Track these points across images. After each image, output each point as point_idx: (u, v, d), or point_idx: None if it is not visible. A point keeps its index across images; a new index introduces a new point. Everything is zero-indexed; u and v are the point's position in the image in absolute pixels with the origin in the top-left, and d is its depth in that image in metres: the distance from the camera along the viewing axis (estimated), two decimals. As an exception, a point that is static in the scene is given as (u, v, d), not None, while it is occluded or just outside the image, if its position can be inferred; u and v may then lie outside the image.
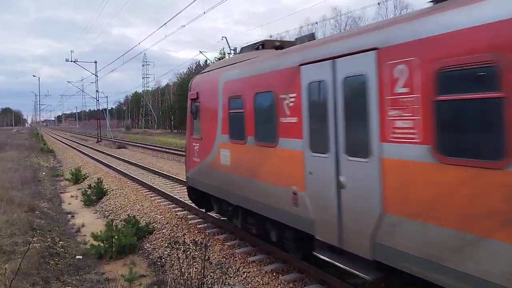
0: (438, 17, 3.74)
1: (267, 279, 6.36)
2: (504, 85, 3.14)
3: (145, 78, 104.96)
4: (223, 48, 62.90)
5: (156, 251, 8.46)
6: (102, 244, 8.31)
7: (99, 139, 51.31)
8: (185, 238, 8.46)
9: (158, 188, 14.24)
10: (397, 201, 4.13)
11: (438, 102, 3.66)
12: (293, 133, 5.69)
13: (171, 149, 37.37)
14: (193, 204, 11.53)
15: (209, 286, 5.91)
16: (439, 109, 3.66)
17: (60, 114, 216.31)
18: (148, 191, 14.38)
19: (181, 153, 32.14)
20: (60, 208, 13.25)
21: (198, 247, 6.37)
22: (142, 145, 43.25)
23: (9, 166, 21.37)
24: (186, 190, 14.73)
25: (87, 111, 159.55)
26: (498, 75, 3.18)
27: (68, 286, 6.68)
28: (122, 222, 10.12)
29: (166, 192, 13.50)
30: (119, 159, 27.29)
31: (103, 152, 33.35)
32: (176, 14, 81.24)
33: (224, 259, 7.35)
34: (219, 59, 65.81)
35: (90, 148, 39.64)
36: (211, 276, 6.56)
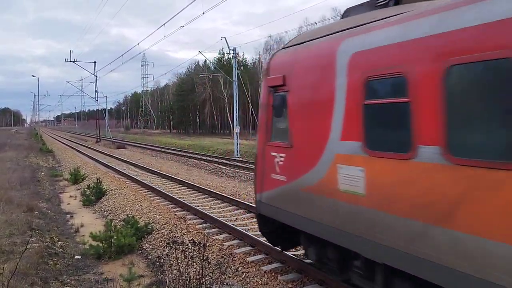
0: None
1: (266, 279, 6.36)
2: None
3: (144, 78, 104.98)
4: (222, 48, 63.18)
5: (155, 251, 8.46)
6: (101, 244, 8.30)
7: (98, 139, 51.30)
8: (183, 238, 8.46)
9: (157, 188, 14.24)
10: None
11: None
12: None
13: (170, 149, 37.40)
14: (192, 204, 11.57)
15: (208, 286, 5.90)
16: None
17: (59, 114, 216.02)
18: (147, 191, 14.38)
19: (180, 153, 32.18)
20: (59, 208, 13.23)
21: (196, 247, 6.37)
22: (141, 145, 43.26)
23: (8, 166, 21.35)
24: (187, 191, 14.91)
25: (86, 111, 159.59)
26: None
27: (66, 286, 6.68)
28: (121, 222, 10.12)
29: (165, 192, 13.51)
30: (118, 159, 27.29)
31: (102, 152, 33.34)
32: (176, 14, 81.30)
33: (223, 259, 7.35)
34: (219, 59, 66.03)
35: (89, 148, 39.62)
36: (210, 276, 6.55)
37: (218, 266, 6.85)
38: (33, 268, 6.76)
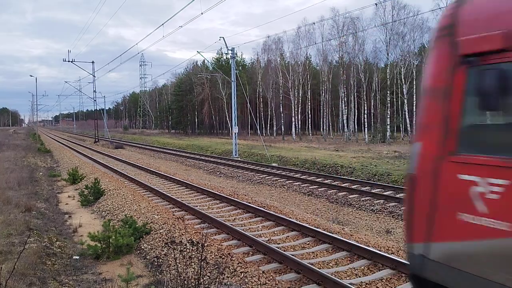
0: None
1: (264, 279, 6.36)
2: None
3: (143, 78, 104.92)
4: (221, 48, 63.13)
5: (153, 252, 8.45)
6: (99, 245, 8.30)
7: (97, 139, 51.23)
8: (182, 238, 8.45)
9: (156, 188, 14.24)
10: None
11: None
12: None
13: (169, 149, 37.39)
14: (190, 204, 11.57)
15: (206, 286, 5.91)
16: None
17: (58, 114, 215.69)
18: (146, 191, 14.38)
19: (178, 153, 32.17)
20: (57, 209, 13.21)
21: (195, 247, 6.37)
22: (140, 145, 43.22)
23: (6, 166, 21.29)
24: (186, 191, 14.94)
25: (84, 111, 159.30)
26: None
27: (65, 286, 6.67)
28: (119, 223, 10.10)
29: (163, 192, 13.50)
30: (117, 159, 27.26)
31: (100, 153, 33.29)
32: (174, 15, 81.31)
33: (221, 259, 7.35)
34: (217, 59, 65.96)
35: (88, 148, 39.56)
36: (208, 276, 6.55)
37: (217, 266, 6.85)
38: (31, 268, 6.74)
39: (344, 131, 51.43)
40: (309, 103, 57.68)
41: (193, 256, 6.71)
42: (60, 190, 16.87)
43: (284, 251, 7.48)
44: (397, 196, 13.14)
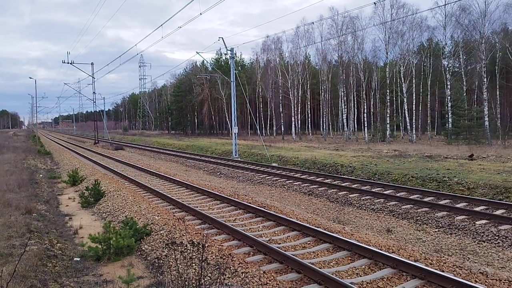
0: None
1: (265, 280, 6.36)
2: None
3: (142, 79, 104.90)
4: (220, 49, 63.14)
5: (154, 253, 8.45)
6: (100, 246, 8.29)
7: (97, 141, 51.22)
8: (182, 239, 8.45)
9: (156, 190, 14.23)
10: None
11: None
12: None
13: (168, 150, 37.40)
14: (190, 205, 11.56)
15: (207, 286, 5.90)
16: None
17: (57, 116, 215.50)
18: (146, 193, 14.38)
19: (178, 154, 32.16)
20: (57, 210, 13.20)
21: (195, 248, 6.37)
22: (140, 147, 43.22)
23: (6, 168, 21.28)
24: (186, 192, 14.92)
25: (84, 112, 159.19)
26: None
27: (66, 288, 6.66)
28: (120, 224, 10.10)
29: (163, 193, 13.50)
30: (117, 160, 27.26)
31: (100, 154, 33.28)
32: (173, 16, 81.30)
33: (222, 260, 7.35)
34: (216, 60, 65.95)
35: (88, 150, 39.55)
36: (209, 277, 6.55)
37: (217, 266, 6.84)
38: (32, 271, 6.74)
39: (344, 130, 51.46)
40: (309, 103, 57.72)
41: (194, 257, 6.71)
42: (61, 192, 16.87)
43: (285, 251, 7.47)
44: (397, 195, 13.14)
